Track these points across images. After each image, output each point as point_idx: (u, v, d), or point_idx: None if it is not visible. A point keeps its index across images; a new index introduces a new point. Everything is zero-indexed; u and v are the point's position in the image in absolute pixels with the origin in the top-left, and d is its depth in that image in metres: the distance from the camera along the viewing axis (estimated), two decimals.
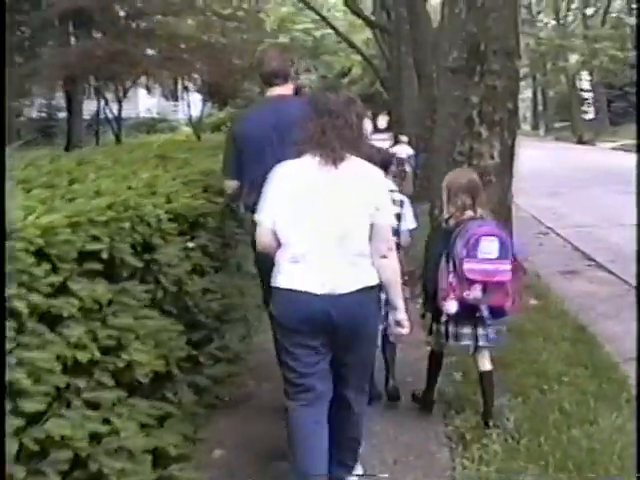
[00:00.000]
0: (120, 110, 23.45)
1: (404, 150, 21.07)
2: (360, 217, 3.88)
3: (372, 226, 3.91)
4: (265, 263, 4.62)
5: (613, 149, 39.63)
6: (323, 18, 33.34)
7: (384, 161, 5.25)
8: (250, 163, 4.93)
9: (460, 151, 8.64)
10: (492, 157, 8.58)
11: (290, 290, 3.84)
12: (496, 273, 5.02)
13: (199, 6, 25.85)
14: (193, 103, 34.14)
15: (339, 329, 3.84)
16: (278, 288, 3.90)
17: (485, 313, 5.12)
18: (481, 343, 5.23)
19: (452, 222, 5.19)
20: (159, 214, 4.04)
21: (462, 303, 5.05)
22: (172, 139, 31.45)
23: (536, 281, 9.66)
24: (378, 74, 32.78)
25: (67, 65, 19.07)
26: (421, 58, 16.89)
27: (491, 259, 5.01)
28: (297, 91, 5.31)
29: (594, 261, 11.71)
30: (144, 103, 40.42)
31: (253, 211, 4.21)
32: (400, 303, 4.20)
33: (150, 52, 22.88)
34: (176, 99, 42.35)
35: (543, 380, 5.93)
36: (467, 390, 5.83)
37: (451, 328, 5.21)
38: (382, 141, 35.76)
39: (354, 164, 3.89)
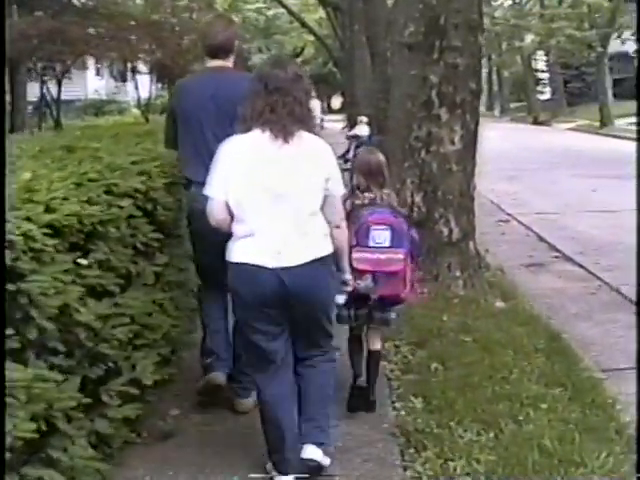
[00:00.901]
0: (59, 92, 22.22)
1: (364, 130, 20.43)
2: (313, 189, 3.98)
3: (325, 197, 4.03)
4: (201, 242, 5.00)
5: (569, 129, 39.11)
6: None
7: None
8: (186, 134, 4.96)
9: (417, 136, 7.73)
10: (453, 142, 7.68)
11: (244, 264, 3.91)
12: (389, 263, 4.90)
13: None
14: (142, 84, 33.02)
15: (294, 300, 3.94)
16: (233, 263, 3.97)
17: (373, 304, 5.01)
18: (374, 325, 5.19)
19: (348, 205, 4.87)
20: (29, 229, 3.05)
21: (353, 291, 4.80)
22: (119, 121, 30.58)
23: (500, 277, 8.82)
24: (331, 54, 31.96)
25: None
26: (375, 35, 15.91)
27: (383, 248, 4.89)
28: (236, 65, 5.31)
29: (561, 252, 10.88)
30: (92, 85, 39.09)
31: (191, 182, 4.90)
32: (346, 266, 4.52)
33: (92, 31, 21.66)
34: (125, 80, 40.99)
35: (517, 406, 5.04)
36: (429, 421, 4.90)
37: (352, 312, 5.09)
38: (336, 122, 35.03)
39: (304, 139, 3.96)
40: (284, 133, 3.89)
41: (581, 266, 9.94)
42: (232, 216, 3.96)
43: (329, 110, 35.78)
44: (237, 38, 5.23)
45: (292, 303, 3.97)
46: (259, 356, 4.16)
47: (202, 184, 4.12)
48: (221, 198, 3.93)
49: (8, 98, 29.23)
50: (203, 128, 4.82)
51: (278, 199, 3.89)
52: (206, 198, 4.02)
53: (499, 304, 7.49)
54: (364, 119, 20.67)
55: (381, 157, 5.27)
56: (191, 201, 4.93)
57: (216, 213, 3.99)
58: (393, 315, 5.19)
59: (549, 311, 7.71)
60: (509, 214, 14.03)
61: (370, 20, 15.97)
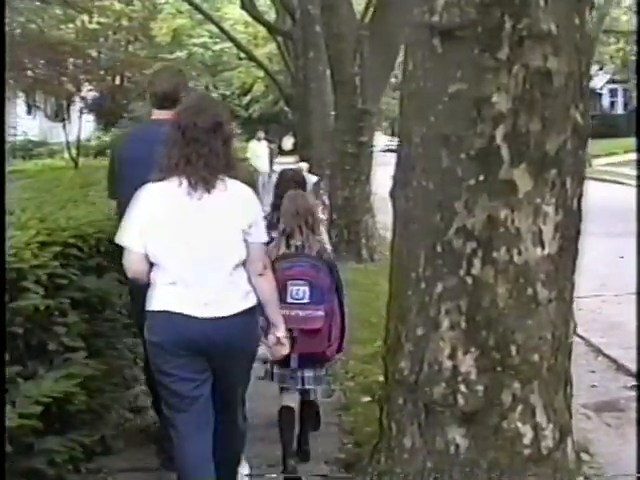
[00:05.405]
0: None
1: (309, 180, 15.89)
2: (238, 239, 3.73)
3: (247, 245, 3.76)
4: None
5: None
6: (222, 30, 28.96)
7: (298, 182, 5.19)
8: (124, 191, 4.30)
9: (463, 227, 3.43)
10: (539, 240, 3.45)
11: (168, 312, 3.64)
12: (308, 320, 4.47)
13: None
14: (69, 124, 28.75)
15: (219, 351, 3.69)
16: (155, 311, 3.69)
17: (294, 364, 4.49)
18: (307, 386, 4.71)
19: (272, 254, 4.43)
20: None
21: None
22: (49, 165, 26.52)
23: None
24: (282, 91, 28.00)
25: None
26: (339, 57, 11.74)
27: (302, 304, 4.50)
28: None
29: (636, 377, 6.66)
30: (24, 125, 34.49)
31: None
32: (280, 320, 4.02)
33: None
34: (62, 120, 36.59)
35: None
36: None
37: (275, 369, 4.67)
38: (289, 165, 30.95)
39: (228, 187, 3.71)
40: (204, 184, 3.64)
41: None
42: (151, 265, 3.68)
43: (280, 152, 31.74)
44: (184, 88, 4.79)
45: (214, 355, 3.68)
46: (178, 402, 3.74)
47: None
48: (138, 249, 3.67)
49: None
50: (135, 188, 3.93)
51: (201, 250, 3.64)
52: None
53: None
54: (303, 165, 16.42)
55: (311, 198, 5.09)
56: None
57: (133, 265, 3.73)
58: (324, 372, 4.75)
59: None
60: None
61: (333, 37, 11.75)
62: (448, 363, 3.48)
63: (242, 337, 3.74)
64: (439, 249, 3.47)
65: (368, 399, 5.75)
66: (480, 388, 3.44)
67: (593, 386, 6.69)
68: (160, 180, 3.71)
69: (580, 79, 3.48)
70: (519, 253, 3.40)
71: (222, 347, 3.67)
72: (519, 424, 3.46)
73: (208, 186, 3.65)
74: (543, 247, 3.44)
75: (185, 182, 3.65)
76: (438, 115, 3.46)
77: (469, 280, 3.43)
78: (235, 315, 3.67)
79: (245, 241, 3.76)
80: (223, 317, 3.65)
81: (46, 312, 3.76)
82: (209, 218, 3.68)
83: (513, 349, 3.43)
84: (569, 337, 3.69)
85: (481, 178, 3.37)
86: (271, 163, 24.46)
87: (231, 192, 3.72)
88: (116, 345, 4.88)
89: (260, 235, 3.86)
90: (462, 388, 3.45)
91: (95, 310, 4.47)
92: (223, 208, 3.71)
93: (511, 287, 3.41)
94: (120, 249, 4.79)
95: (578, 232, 3.66)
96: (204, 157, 3.65)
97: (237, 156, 4.05)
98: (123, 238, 3.75)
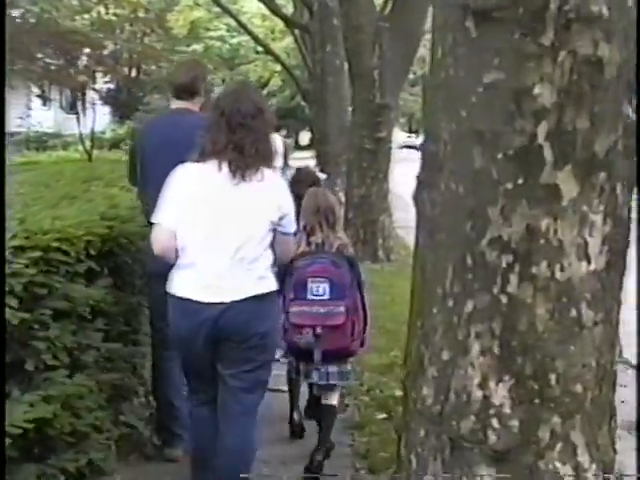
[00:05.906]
0: None
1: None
2: (262, 229, 3.79)
3: (277, 235, 3.87)
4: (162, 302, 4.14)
5: None
6: (240, 23, 28.49)
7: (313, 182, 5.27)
8: (143, 179, 4.89)
9: (498, 237, 2.97)
10: (585, 254, 2.96)
11: (181, 299, 3.76)
12: (329, 316, 4.56)
13: None
14: (84, 116, 28.44)
15: (230, 337, 3.74)
16: (172, 296, 3.83)
17: (317, 357, 4.57)
18: (332, 381, 4.74)
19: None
20: None
21: (295, 346, 4.65)
22: (63, 157, 26.16)
23: None
24: (299, 85, 27.60)
25: None
26: (357, 48, 11.29)
27: (323, 301, 4.58)
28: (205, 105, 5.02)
29: None
30: (39, 116, 34.17)
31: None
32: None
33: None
34: (77, 112, 36.28)
35: None
36: None
37: (302, 366, 4.81)
38: (305, 159, 30.58)
39: (264, 176, 3.78)
40: (243, 171, 3.71)
41: None
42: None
43: (296, 146, 31.28)
44: (203, 80, 5.10)
45: (225, 340, 3.73)
46: (191, 388, 4.08)
47: None
48: (169, 226, 3.76)
49: None
50: (158, 175, 4.14)
51: (228, 238, 3.69)
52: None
53: None
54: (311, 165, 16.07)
55: (331, 196, 5.00)
56: (150, 262, 4.48)
57: (159, 241, 3.81)
58: (349, 367, 4.83)
59: None
60: None
61: (352, 28, 11.28)
62: (478, 393, 3.02)
63: (253, 321, 3.75)
64: (470, 262, 3.01)
65: (384, 416, 5.35)
66: (514, 423, 2.98)
67: (623, 402, 6.29)
68: (202, 159, 3.78)
69: (630, 70, 3.03)
70: (562, 269, 2.94)
71: (232, 332, 3.72)
72: (558, 464, 3.01)
73: (247, 174, 3.72)
74: (589, 262, 2.97)
75: (225, 167, 3.72)
76: (471, 109, 3.00)
77: (504, 299, 2.97)
78: (246, 299, 3.72)
79: (274, 230, 3.85)
80: (234, 301, 3.70)
81: (22, 326, 3.32)
82: (242, 207, 3.75)
83: (553, 378, 2.97)
84: (614, 364, 3.24)
85: (520, 181, 2.91)
86: (285, 158, 24.05)
87: (267, 182, 3.80)
88: (110, 357, 4.45)
89: (290, 226, 4.00)
90: (494, 422, 2.99)
91: (84, 320, 4.02)
92: (257, 198, 3.78)
93: (552, 307, 2.95)
94: (114, 252, 4.37)
95: (627, 245, 3.18)
96: (253, 144, 3.72)
97: (274, 145, 4.02)
98: (156, 215, 3.81)
